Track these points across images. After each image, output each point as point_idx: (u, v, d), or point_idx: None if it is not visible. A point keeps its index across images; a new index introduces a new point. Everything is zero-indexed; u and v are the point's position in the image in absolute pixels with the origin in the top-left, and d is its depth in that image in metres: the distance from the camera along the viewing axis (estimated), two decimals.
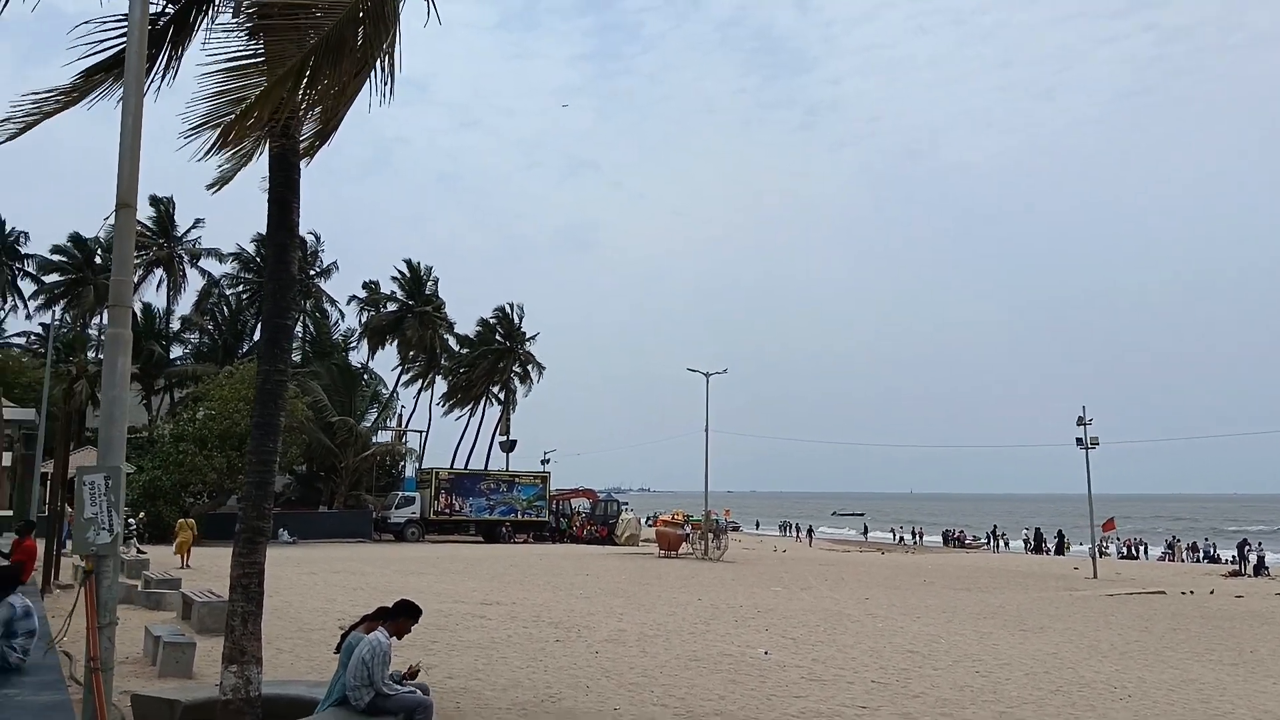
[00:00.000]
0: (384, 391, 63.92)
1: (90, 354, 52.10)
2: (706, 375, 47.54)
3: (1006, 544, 68.12)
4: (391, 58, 6.95)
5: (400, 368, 62.44)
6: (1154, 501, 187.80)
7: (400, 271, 62.50)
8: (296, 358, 53.70)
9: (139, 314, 54.31)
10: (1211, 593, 29.61)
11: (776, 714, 9.98)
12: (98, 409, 6.56)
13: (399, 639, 7.44)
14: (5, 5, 7.19)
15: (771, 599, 23.46)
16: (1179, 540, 61.01)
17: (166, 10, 7.80)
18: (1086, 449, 40.37)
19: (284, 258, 7.82)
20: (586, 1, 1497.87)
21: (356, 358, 62.97)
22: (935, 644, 15.87)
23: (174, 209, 57.64)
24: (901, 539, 78.24)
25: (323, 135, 7.57)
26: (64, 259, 56.31)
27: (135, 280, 49.24)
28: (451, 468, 56.99)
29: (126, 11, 6.42)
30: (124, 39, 6.94)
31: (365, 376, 62.15)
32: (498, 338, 65.06)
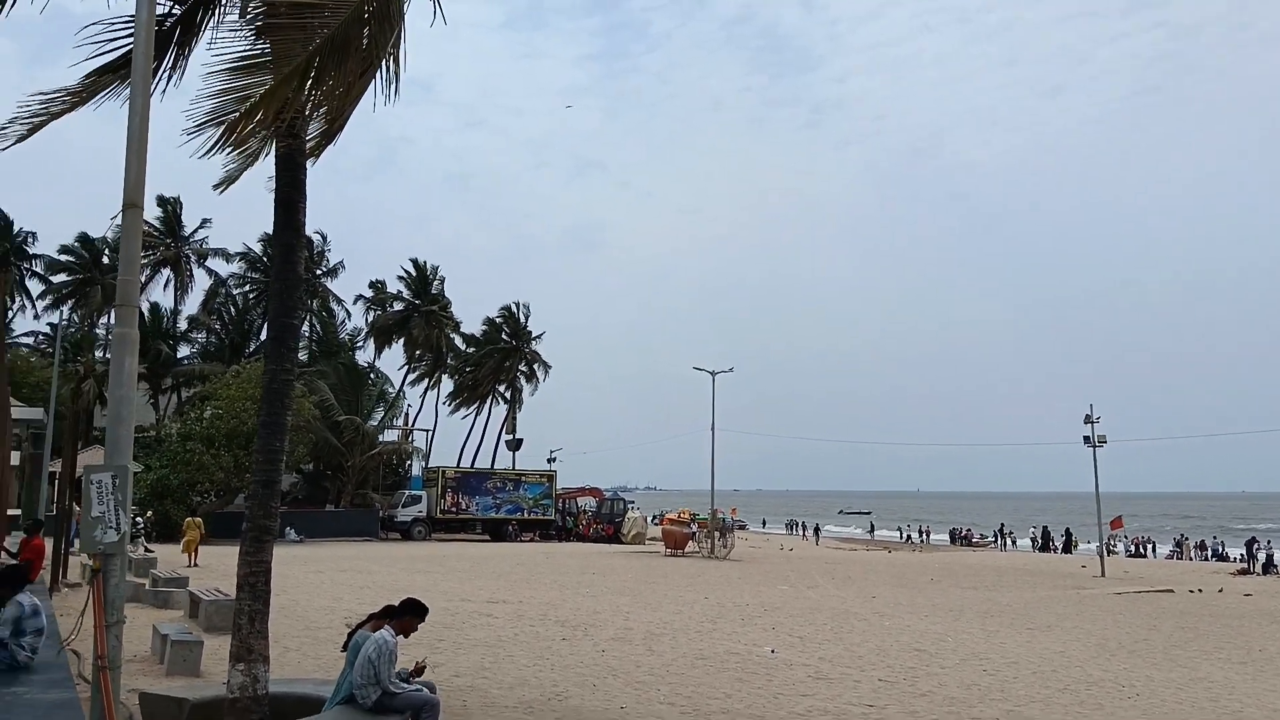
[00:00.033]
0: (390, 391, 64.03)
1: (98, 354, 52.28)
2: (713, 374, 47.56)
3: (1014, 542, 67.98)
4: (396, 58, 6.96)
5: (407, 367, 62.51)
6: (1161, 500, 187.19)
7: (406, 271, 62.58)
8: (303, 357, 53.81)
9: (146, 313, 54.48)
10: (1220, 591, 29.51)
11: (783, 712, 9.97)
12: (105, 408, 6.58)
13: (405, 637, 7.44)
14: (13, 5, 7.22)
15: (778, 597, 23.45)
16: (1187, 538, 60.81)
17: (173, 11, 7.82)
18: (1094, 447, 40.26)
19: (290, 257, 7.83)
20: (593, 1, 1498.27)
21: (363, 357, 63.09)
22: (942, 642, 15.85)
23: (181, 209, 57.74)
24: (908, 537, 78.07)
25: (328, 135, 7.58)
26: (72, 259, 56.44)
27: (142, 280, 49.42)
28: (458, 466, 57.04)
29: (134, 13, 6.44)
30: (131, 40, 6.96)
31: (372, 376, 62.25)
32: (504, 337, 65.08)
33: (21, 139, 7.51)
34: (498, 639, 14.41)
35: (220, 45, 6.72)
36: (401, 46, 6.97)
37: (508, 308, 65.54)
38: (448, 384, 64.53)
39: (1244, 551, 49.02)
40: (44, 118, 7.45)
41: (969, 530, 76.89)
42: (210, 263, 58.86)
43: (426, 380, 63.13)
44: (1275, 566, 44.98)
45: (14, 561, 14.70)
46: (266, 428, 7.55)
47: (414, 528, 49.07)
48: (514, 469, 58.52)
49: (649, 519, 62.89)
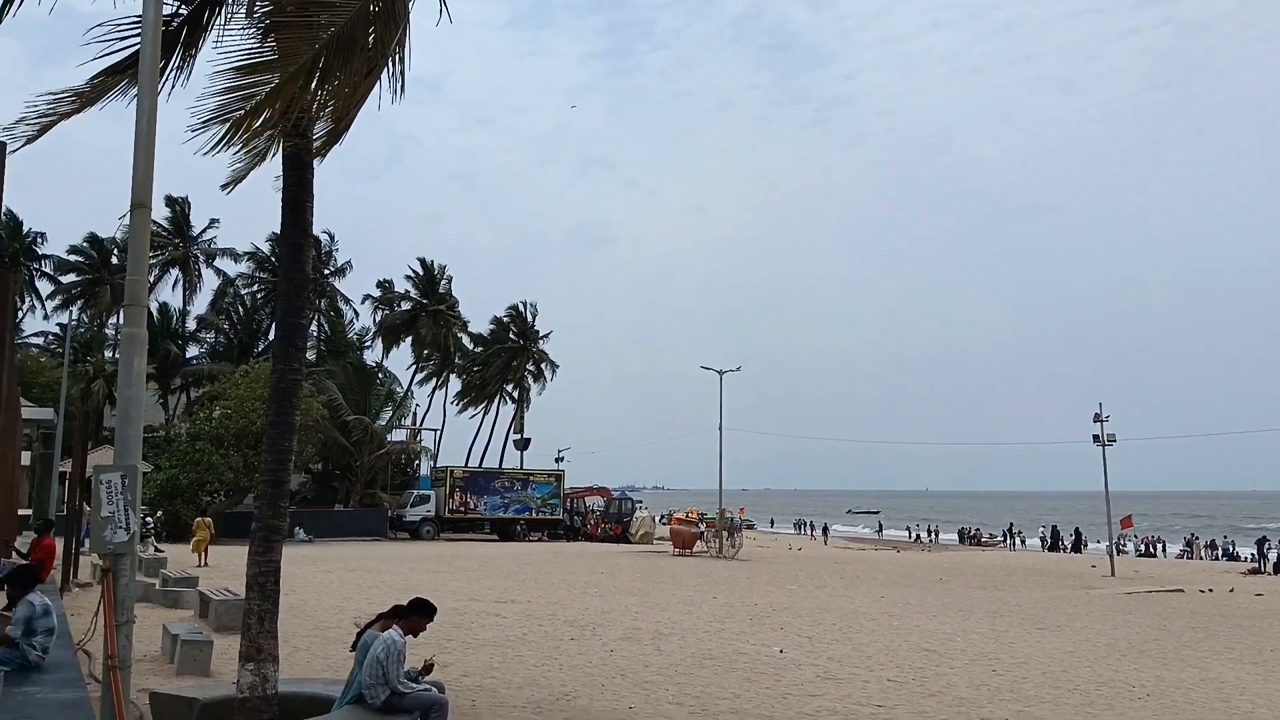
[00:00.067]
0: (399, 390, 64.23)
1: (107, 354, 52.51)
2: (720, 373, 47.49)
3: (1023, 542, 67.72)
4: (401, 56, 6.96)
5: (414, 366, 62.67)
6: (1171, 499, 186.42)
7: (414, 270, 62.76)
8: (311, 357, 53.97)
9: (155, 313, 54.68)
10: (1231, 591, 29.37)
11: (792, 713, 9.95)
12: (115, 408, 6.59)
13: (414, 637, 7.44)
14: (20, 3, 7.24)
15: (786, 597, 23.41)
16: (1197, 538, 60.53)
17: (180, 11, 7.83)
18: (1104, 446, 40.08)
19: (298, 257, 7.84)
20: None
21: (371, 356, 63.32)
22: (951, 642, 15.80)
23: (189, 209, 58.02)
24: (917, 537, 77.90)
25: (335, 135, 7.58)
26: (81, 259, 56.73)
27: (151, 280, 49.59)
28: (466, 466, 57.14)
29: (140, 13, 6.45)
30: (138, 40, 6.97)
31: (380, 375, 62.39)
32: (511, 336, 65.19)
33: (30, 140, 7.52)
34: (506, 639, 14.41)
35: (226, 45, 6.73)
36: (407, 45, 6.97)
37: (515, 307, 65.71)
38: (455, 383, 64.76)
39: (1255, 551, 48.79)
40: (52, 118, 7.46)
41: (978, 530, 76.65)
42: (218, 263, 59.22)
43: (434, 380, 63.31)
44: None
45: (25, 561, 14.76)
46: (275, 427, 7.55)
47: (422, 527, 49.17)
48: (522, 469, 58.59)
49: (657, 519, 62.89)
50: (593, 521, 55.67)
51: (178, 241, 57.22)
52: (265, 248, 56.81)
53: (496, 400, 65.19)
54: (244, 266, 58.77)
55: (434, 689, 7.38)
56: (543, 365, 66.41)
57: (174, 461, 42.68)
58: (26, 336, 58.14)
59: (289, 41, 6.37)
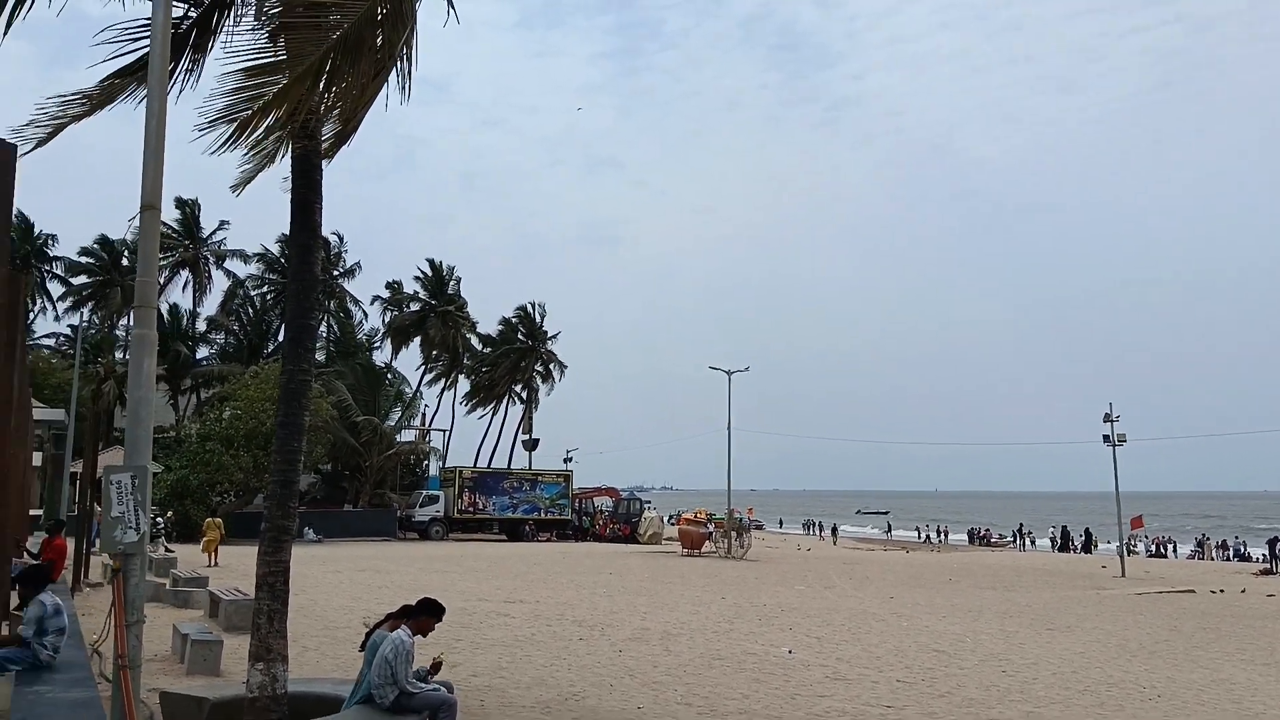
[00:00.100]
0: (407, 391, 64.30)
1: (118, 355, 52.73)
2: (729, 373, 47.50)
3: (1033, 542, 67.52)
4: (409, 57, 6.97)
5: (423, 367, 62.79)
6: (1182, 499, 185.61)
7: (423, 271, 62.84)
8: (321, 357, 54.10)
9: (165, 315, 54.87)
10: (1243, 591, 29.21)
11: (801, 713, 9.94)
12: (125, 409, 6.61)
13: (423, 637, 7.46)
14: (31, 6, 7.27)
15: (795, 598, 23.38)
16: (1208, 538, 60.22)
17: (189, 14, 7.86)
18: (1114, 446, 39.91)
19: (307, 259, 7.86)
20: None
21: (380, 357, 63.42)
22: (961, 643, 15.75)
23: (199, 211, 58.17)
24: (926, 537, 77.72)
25: (342, 136, 7.60)
26: (91, 261, 56.94)
27: (161, 282, 49.74)
28: (475, 466, 57.21)
29: (150, 16, 6.48)
30: (147, 43, 7.00)
31: (389, 376, 62.51)
32: (520, 337, 65.24)
33: (41, 143, 7.55)
34: (515, 639, 14.43)
35: (235, 47, 6.75)
36: (414, 46, 6.99)
37: (523, 308, 65.76)
38: (464, 384, 64.85)
39: (1266, 551, 48.48)
40: (62, 121, 7.49)
41: (987, 530, 76.45)
42: (228, 264, 59.37)
43: (443, 380, 63.40)
44: None
45: (36, 561, 14.83)
46: (284, 428, 7.57)
47: (431, 527, 49.26)
48: (530, 469, 58.66)
49: (665, 519, 62.87)
50: (601, 522, 55.70)
51: (188, 243, 57.41)
52: (275, 249, 57.00)
53: (505, 401, 65.28)
54: (254, 268, 59.01)
55: (443, 689, 7.39)
56: (551, 366, 66.48)
57: (184, 462, 42.84)
58: (38, 338, 58.44)
59: (297, 43, 6.39)
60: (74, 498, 32.39)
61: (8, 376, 8.88)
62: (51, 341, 59.78)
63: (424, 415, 64.88)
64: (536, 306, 65.87)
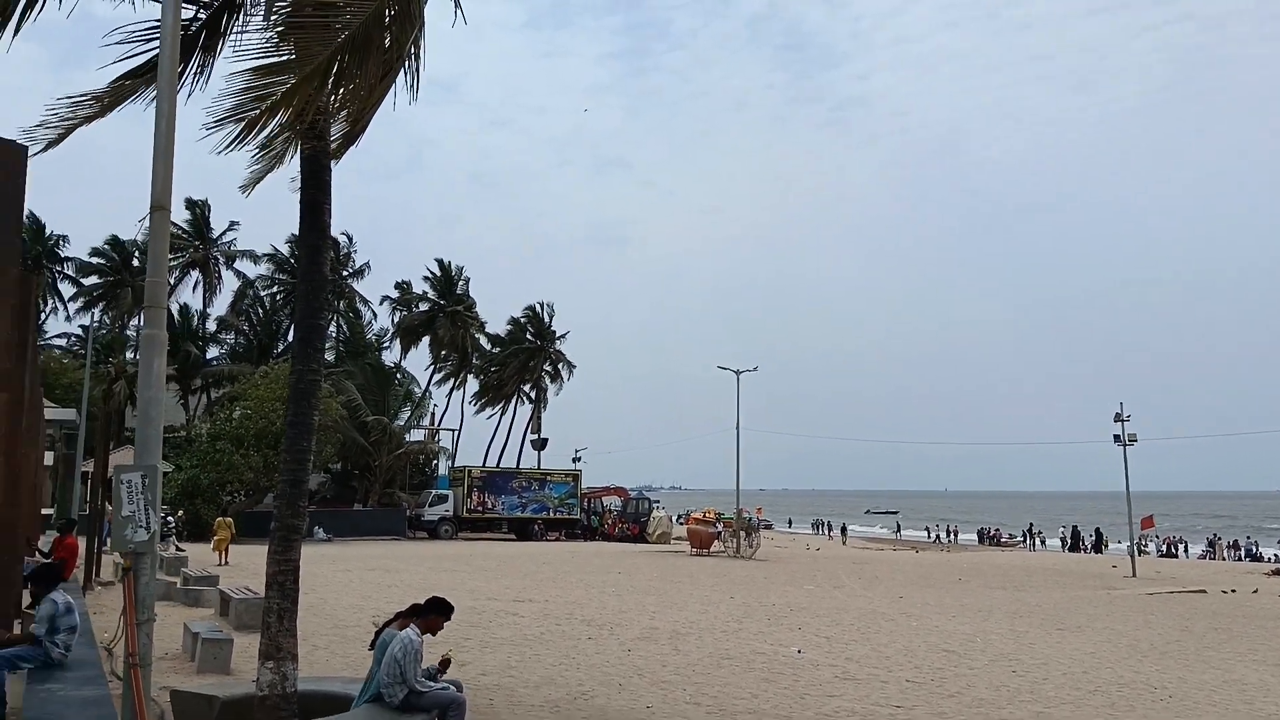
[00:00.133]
0: (417, 391, 64.46)
1: (129, 355, 52.95)
2: (737, 373, 47.44)
3: (1043, 542, 67.28)
4: (417, 57, 6.98)
5: (432, 367, 62.93)
6: (1193, 499, 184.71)
7: (432, 271, 63.01)
8: (330, 357, 54.22)
9: (176, 315, 55.11)
10: (1255, 591, 29.04)
11: (810, 713, 9.92)
12: (136, 409, 6.65)
13: (432, 636, 7.47)
14: (41, 8, 7.31)
15: (804, 597, 23.34)
16: (1220, 538, 59.91)
17: (198, 16, 7.89)
18: (1125, 446, 39.74)
19: (316, 259, 7.88)
20: None
21: (389, 357, 63.59)
22: (971, 643, 15.71)
23: (209, 211, 58.41)
24: (936, 537, 77.51)
25: (351, 136, 7.62)
26: (102, 261, 57.22)
27: (171, 282, 49.99)
28: (484, 466, 57.32)
29: (159, 18, 6.50)
30: (156, 45, 7.03)
31: (398, 376, 62.66)
32: (528, 337, 65.36)
33: (52, 144, 7.58)
34: (524, 638, 14.45)
35: (243, 47, 6.77)
36: (422, 46, 7.00)
37: (532, 308, 65.90)
38: (473, 384, 64.98)
39: (1278, 551, 48.22)
40: (73, 122, 7.52)
41: (997, 530, 76.18)
42: (238, 264, 59.61)
43: (452, 380, 63.56)
44: None
45: (47, 560, 14.91)
46: (294, 428, 7.60)
47: (441, 527, 49.37)
48: (539, 468, 58.72)
49: (674, 518, 62.86)
50: (610, 521, 55.74)
51: (198, 244, 57.64)
52: (284, 249, 57.20)
53: (514, 400, 65.38)
54: (263, 268, 59.24)
55: (452, 687, 7.40)
56: (560, 366, 66.56)
57: (195, 461, 43.03)
58: (49, 338, 58.79)
59: (305, 43, 6.40)
60: (85, 497, 32.53)
61: (20, 377, 8.92)
62: (63, 342, 60.15)
63: (433, 415, 65.14)
64: (545, 306, 66.05)
